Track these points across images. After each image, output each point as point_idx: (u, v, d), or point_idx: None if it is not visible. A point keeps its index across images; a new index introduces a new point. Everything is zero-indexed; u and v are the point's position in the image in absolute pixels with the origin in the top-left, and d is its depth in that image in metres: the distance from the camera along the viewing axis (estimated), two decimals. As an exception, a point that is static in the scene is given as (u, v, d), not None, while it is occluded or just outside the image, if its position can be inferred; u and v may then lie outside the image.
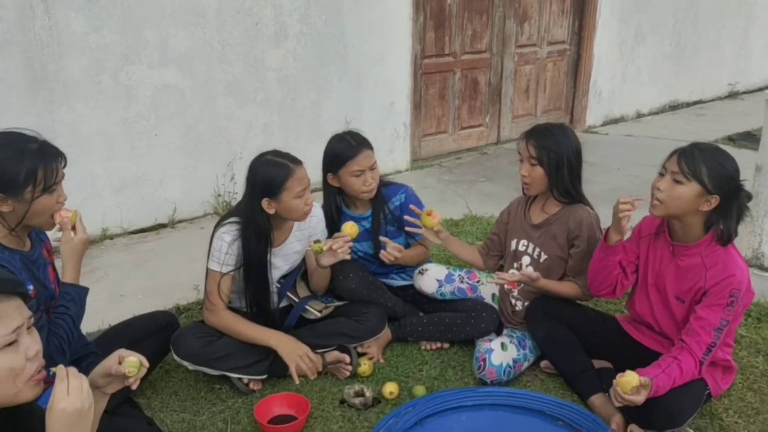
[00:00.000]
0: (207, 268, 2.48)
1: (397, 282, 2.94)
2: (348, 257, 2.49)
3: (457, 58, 5.68)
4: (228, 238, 2.43)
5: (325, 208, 2.79)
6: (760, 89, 9.09)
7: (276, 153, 2.47)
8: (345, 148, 2.65)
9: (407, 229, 2.67)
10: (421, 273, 2.80)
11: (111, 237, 4.03)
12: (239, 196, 4.51)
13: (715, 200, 2.06)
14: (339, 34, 4.74)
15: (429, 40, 5.43)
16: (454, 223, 4.13)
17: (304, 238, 2.62)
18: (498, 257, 2.83)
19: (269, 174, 2.36)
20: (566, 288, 2.51)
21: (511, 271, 2.58)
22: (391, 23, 5.03)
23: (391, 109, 5.23)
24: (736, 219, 2.10)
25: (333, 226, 2.75)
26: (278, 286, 2.66)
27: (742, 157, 5.84)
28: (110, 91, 3.82)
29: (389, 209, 2.79)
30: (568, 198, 2.50)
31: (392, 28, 5.04)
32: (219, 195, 4.34)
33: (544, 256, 2.56)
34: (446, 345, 2.75)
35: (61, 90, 3.64)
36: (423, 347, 2.75)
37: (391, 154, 5.31)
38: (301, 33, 4.54)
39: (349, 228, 2.50)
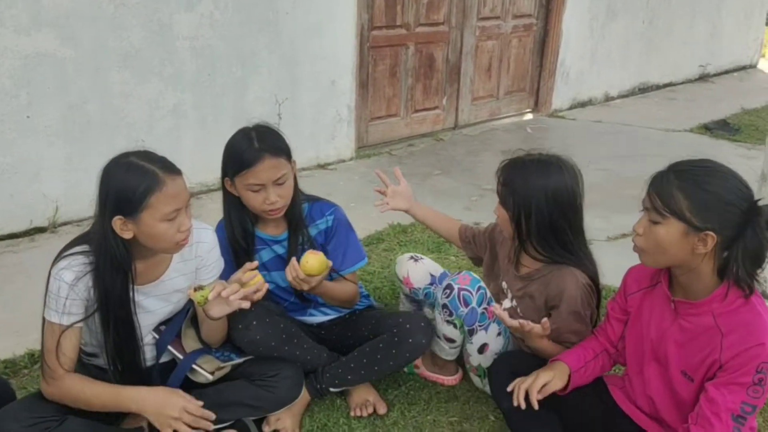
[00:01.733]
0: (43, 319, 1.75)
1: (317, 318, 2.24)
2: (246, 306, 1.79)
3: (410, 30, 4.94)
4: (69, 276, 1.71)
5: (227, 225, 2.07)
6: (728, 72, 8.66)
7: (145, 155, 1.76)
8: (244, 151, 1.93)
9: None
10: (414, 260, 2.40)
11: (-29, 242, 3.20)
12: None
13: (711, 238, 1.46)
14: (268, -3, 3.95)
15: (378, 8, 4.67)
16: (402, 229, 3.44)
17: (189, 272, 1.91)
18: (474, 257, 2.37)
19: (126, 183, 1.66)
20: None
21: (504, 304, 1.99)
22: (333, -14, 4.26)
23: (332, 88, 4.46)
24: (751, 258, 1.48)
25: (240, 252, 2.07)
26: (155, 336, 1.94)
27: (722, 150, 5.32)
28: (-40, 60, 2.96)
29: (308, 234, 2.08)
30: (548, 253, 1.92)
31: (334, -8, 4.27)
32: (116, 191, 3.52)
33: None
34: (382, 409, 2.08)
35: None
36: (353, 413, 2.07)
37: (332, 140, 4.57)
38: (220, -7, 3.73)
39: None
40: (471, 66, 5.51)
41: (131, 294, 1.77)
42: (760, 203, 1.47)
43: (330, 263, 1.93)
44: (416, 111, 5.23)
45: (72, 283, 1.70)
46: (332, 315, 2.24)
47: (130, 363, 1.85)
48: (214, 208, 3.76)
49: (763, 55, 9.69)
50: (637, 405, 1.78)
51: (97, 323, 1.79)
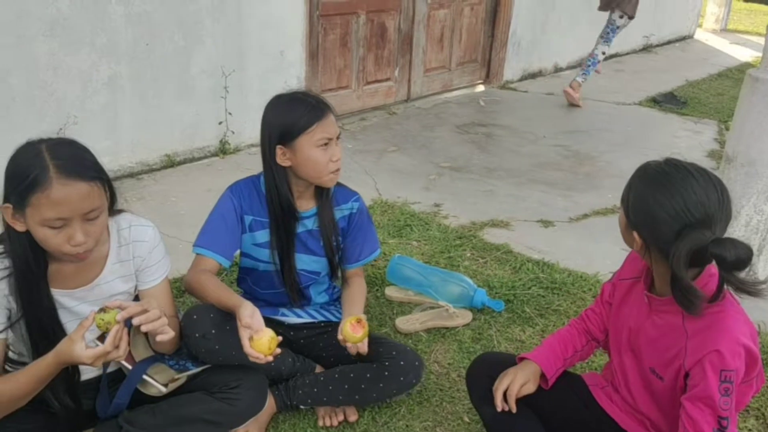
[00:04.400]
0: None
1: (289, 319, 2.07)
2: (167, 338, 1.57)
3: (361, -3, 4.71)
4: None
5: (271, 194, 1.87)
6: (669, 42, 8.78)
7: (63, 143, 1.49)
8: (305, 109, 1.78)
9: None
10: None
11: None
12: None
13: (639, 239, 1.45)
14: (210, -40, 3.64)
15: (328, -27, 4.42)
16: (360, 211, 3.28)
17: (129, 274, 1.71)
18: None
19: (16, 165, 1.43)
20: None
21: None
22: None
23: (281, 58, 4.21)
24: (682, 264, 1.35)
25: (282, 235, 1.91)
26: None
27: (671, 124, 5.34)
28: None
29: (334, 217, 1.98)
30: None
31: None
32: (47, 173, 3.21)
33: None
34: (353, 416, 1.95)
35: None
36: (321, 422, 1.93)
37: (281, 115, 4.32)
38: (156, -45, 3.40)
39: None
40: (423, 36, 5.32)
41: (49, 297, 1.56)
42: (719, 240, 1.35)
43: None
44: (368, 83, 5.03)
45: None
46: (306, 318, 2.08)
47: (65, 375, 1.64)
48: (157, 190, 3.52)
49: (700, 25, 9.89)
50: (619, 405, 1.72)
51: (25, 332, 1.58)
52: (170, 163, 3.79)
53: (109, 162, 3.55)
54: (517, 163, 4.11)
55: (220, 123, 3.92)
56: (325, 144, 1.81)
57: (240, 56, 3.94)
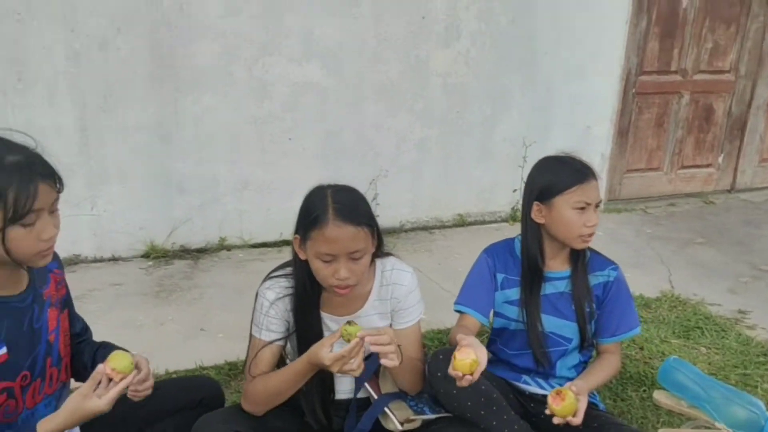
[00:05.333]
0: (250, 332, 1.81)
1: (531, 388, 1.97)
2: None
3: (687, 77, 4.39)
4: (270, 296, 1.75)
5: (524, 259, 1.90)
6: None
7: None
8: (569, 171, 1.80)
9: None
10: None
11: (228, 248, 3.57)
12: (381, 220, 3.86)
13: None
14: (528, 37, 3.80)
15: (650, 51, 4.24)
16: (645, 302, 2.98)
17: (386, 312, 1.83)
18: None
19: (306, 204, 1.66)
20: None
21: None
22: (600, 27, 3.95)
23: (586, 134, 4.14)
24: None
25: (527, 279, 1.89)
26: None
27: None
28: (243, 84, 3.32)
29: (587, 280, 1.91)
30: None
31: (601, 32, 3.96)
32: (355, 216, 3.66)
33: None
34: None
35: (189, 78, 3.22)
36: None
37: (579, 190, 4.22)
38: (479, 32, 3.69)
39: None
40: (761, 122, 4.70)
41: (319, 320, 1.75)
42: None
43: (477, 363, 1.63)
44: (683, 167, 4.61)
45: (272, 302, 1.73)
46: (547, 391, 1.96)
47: (321, 388, 1.81)
48: (444, 245, 3.72)
49: None
50: None
51: (295, 344, 1.79)
52: (461, 222, 3.98)
53: (408, 213, 3.91)
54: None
55: (514, 191, 4.00)
56: (582, 208, 1.75)
57: (544, 128, 4.00)
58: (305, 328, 1.76)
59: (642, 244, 3.81)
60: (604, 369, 1.87)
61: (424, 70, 3.65)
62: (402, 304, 1.81)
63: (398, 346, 1.64)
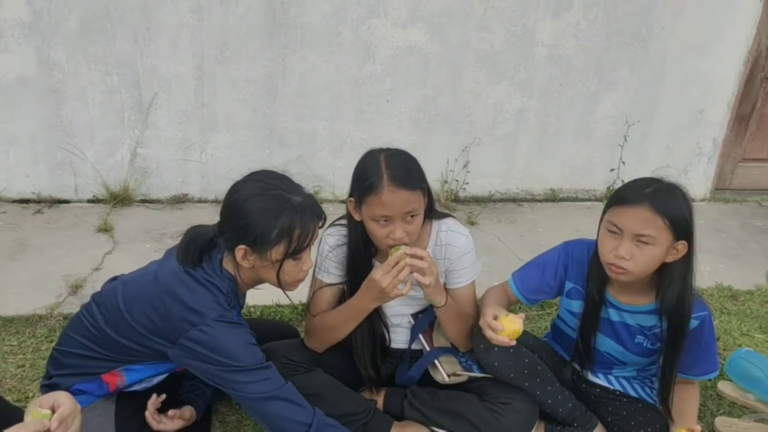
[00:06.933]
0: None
1: (598, 380, 1.97)
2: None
3: (824, 62, 4.01)
4: (331, 241, 1.88)
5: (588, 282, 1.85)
6: None
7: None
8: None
9: None
10: None
11: (321, 202, 3.74)
12: (470, 188, 3.90)
13: None
14: (645, 10, 3.63)
15: (785, 32, 3.91)
16: (732, 293, 2.85)
17: (439, 271, 1.89)
18: None
19: (361, 169, 1.74)
20: None
21: None
22: (729, 3, 3.70)
23: (699, 117, 3.93)
24: None
25: (588, 312, 1.85)
26: (411, 321, 2.00)
27: None
28: (348, 44, 3.45)
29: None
30: None
31: (728, 7, 3.70)
32: (445, 182, 3.73)
33: None
34: None
35: (298, 36, 3.39)
36: None
37: (684, 174, 4.03)
38: (591, 3, 3.57)
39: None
40: None
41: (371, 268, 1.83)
42: None
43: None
44: (809, 161, 4.25)
45: (332, 247, 1.86)
46: (602, 381, 1.96)
47: (372, 344, 1.93)
48: (531, 218, 3.70)
49: None
50: None
51: (347, 292, 1.90)
52: (552, 197, 3.93)
53: (499, 184, 3.91)
54: None
55: (612, 170, 3.88)
56: (614, 231, 1.64)
57: (651, 108, 3.83)
58: (358, 281, 1.84)
59: (746, 237, 3.60)
60: (690, 401, 1.80)
61: (529, 40, 3.60)
62: (455, 265, 1.88)
63: (436, 268, 1.72)
